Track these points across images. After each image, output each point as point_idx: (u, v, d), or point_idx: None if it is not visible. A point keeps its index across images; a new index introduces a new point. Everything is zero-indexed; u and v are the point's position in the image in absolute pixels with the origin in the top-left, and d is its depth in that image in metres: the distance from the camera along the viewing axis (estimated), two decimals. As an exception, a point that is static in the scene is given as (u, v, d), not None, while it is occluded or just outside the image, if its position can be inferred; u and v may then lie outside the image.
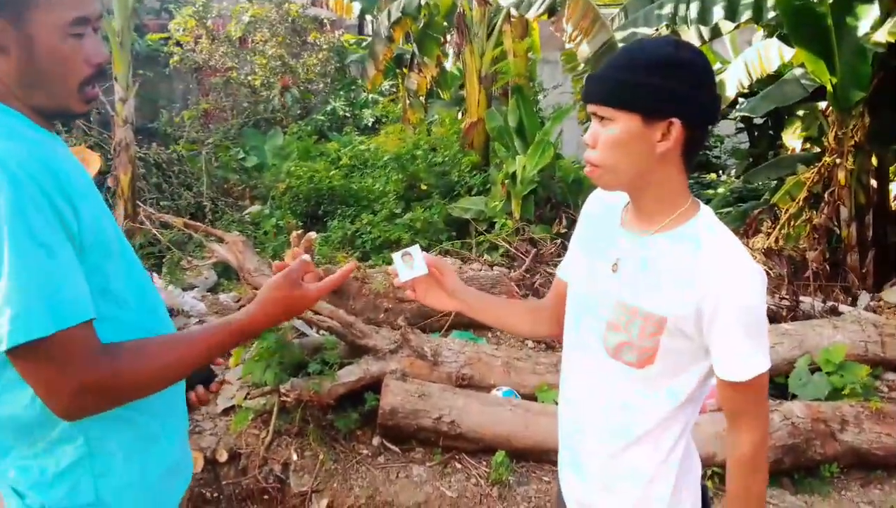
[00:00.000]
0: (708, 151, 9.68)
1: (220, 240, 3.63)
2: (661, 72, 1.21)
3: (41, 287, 1.04)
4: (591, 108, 1.29)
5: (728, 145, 9.42)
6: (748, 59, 6.45)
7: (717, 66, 7.67)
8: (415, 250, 1.47)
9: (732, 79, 6.69)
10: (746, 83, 6.57)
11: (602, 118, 1.26)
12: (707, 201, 7.19)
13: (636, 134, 1.23)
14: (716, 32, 6.01)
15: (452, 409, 3.07)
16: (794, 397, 3.31)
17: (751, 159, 8.11)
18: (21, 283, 1.03)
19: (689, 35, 5.72)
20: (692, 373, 1.32)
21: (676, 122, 1.22)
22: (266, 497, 3.03)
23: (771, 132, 7.97)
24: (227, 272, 5.04)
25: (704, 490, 1.48)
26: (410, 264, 1.46)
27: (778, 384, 3.50)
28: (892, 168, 5.51)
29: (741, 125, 8.50)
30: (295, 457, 3.08)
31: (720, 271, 1.24)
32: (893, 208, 5.50)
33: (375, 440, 3.16)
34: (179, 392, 1.37)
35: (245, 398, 3.26)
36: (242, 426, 3.18)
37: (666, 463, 1.37)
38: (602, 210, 1.46)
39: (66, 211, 1.10)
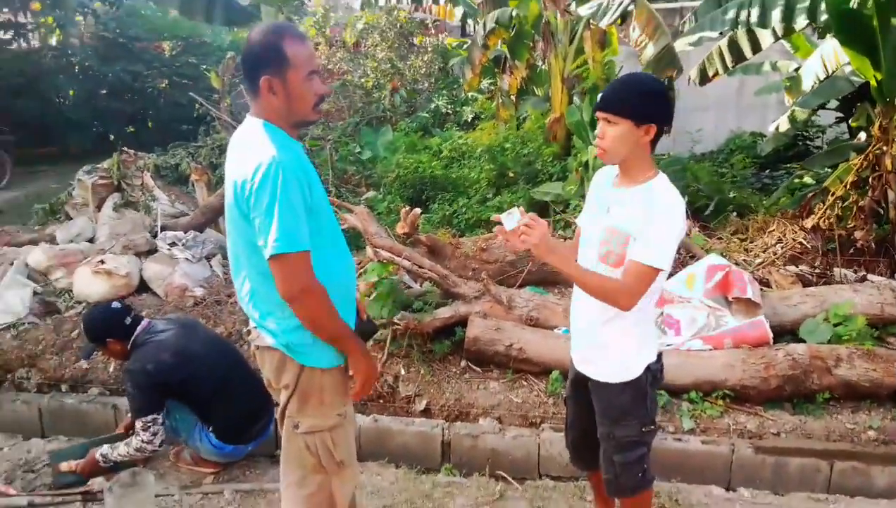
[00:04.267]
0: (809, 142, 9.80)
1: (349, 211, 4.73)
2: (648, 97, 2.12)
3: (291, 228, 1.88)
4: (600, 114, 2.18)
5: (830, 136, 9.41)
6: (824, 53, 6.87)
7: (792, 64, 7.95)
8: (514, 210, 2.17)
9: (809, 73, 7.11)
10: (822, 77, 6.97)
11: (609, 121, 2.15)
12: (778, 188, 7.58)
13: (630, 132, 2.14)
14: (789, 31, 6.40)
15: (521, 339, 3.96)
16: (803, 342, 3.95)
17: (848, 148, 8.26)
18: (282, 224, 1.87)
19: (764, 35, 6.21)
20: None
21: (653, 126, 2.12)
22: (381, 399, 4.06)
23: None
24: (348, 243, 6.16)
25: (660, 355, 2.38)
26: (512, 219, 2.16)
27: (797, 335, 4.17)
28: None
29: (840, 115, 8.65)
30: (403, 372, 4.05)
31: (655, 205, 2.13)
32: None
33: (462, 363, 4.08)
34: (352, 300, 2.28)
35: (367, 330, 4.32)
36: (364, 350, 4.25)
37: (627, 332, 2.28)
38: (604, 179, 2.39)
39: (306, 193, 1.95)
